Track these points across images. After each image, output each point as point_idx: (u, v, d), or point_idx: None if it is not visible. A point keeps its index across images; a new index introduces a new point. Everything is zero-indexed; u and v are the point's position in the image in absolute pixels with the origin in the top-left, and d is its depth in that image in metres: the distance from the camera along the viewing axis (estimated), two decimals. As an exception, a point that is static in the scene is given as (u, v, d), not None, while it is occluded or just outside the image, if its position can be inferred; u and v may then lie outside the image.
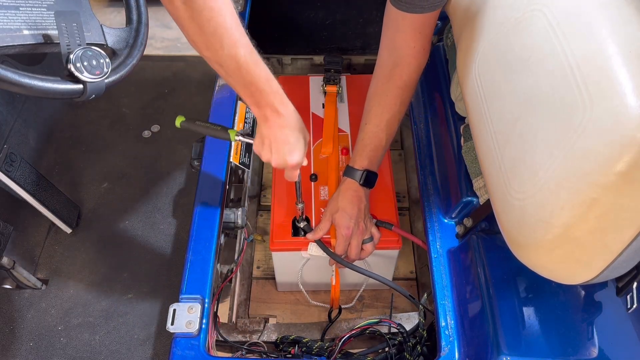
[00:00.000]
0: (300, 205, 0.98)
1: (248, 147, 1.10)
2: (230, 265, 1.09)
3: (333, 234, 1.02)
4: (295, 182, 0.92)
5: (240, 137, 0.86)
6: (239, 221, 1.01)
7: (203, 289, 0.86)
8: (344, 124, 1.22)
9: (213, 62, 0.71)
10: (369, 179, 0.97)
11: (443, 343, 0.80)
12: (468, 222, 0.89)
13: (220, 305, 1.05)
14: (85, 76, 0.64)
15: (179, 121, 0.88)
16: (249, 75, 0.72)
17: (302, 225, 1.02)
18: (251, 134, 1.04)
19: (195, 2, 0.62)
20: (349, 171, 0.99)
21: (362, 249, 0.99)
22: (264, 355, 1.00)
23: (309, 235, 1.00)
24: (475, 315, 0.79)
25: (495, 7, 0.75)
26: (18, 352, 1.21)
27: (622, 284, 0.61)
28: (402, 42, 0.90)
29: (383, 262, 1.09)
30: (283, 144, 0.79)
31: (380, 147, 0.97)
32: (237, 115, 1.13)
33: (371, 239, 1.00)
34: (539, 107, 0.62)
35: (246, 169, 1.10)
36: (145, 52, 0.79)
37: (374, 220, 1.03)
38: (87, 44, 0.66)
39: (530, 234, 0.61)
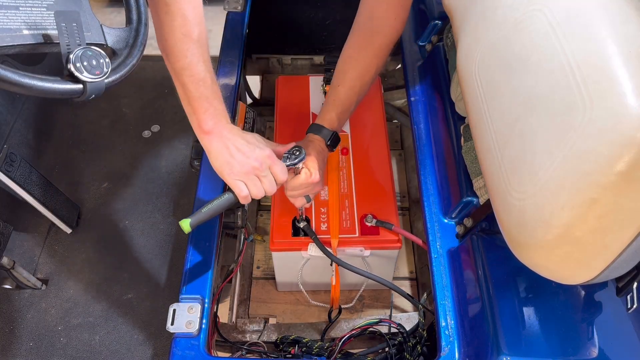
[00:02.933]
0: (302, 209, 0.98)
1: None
2: (230, 265, 1.09)
3: (333, 233, 1.02)
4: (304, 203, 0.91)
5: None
6: (239, 221, 1.01)
7: (203, 289, 0.87)
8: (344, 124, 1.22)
9: (173, 73, 0.78)
10: (334, 141, 0.96)
11: (443, 343, 0.80)
12: (468, 222, 0.89)
13: (220, 305, 1.05)
14: (85, 76, 0.64)
15: (186, 225, 0.80)
16: (206, 89, 0.77)
17: (302, 225, 1.02)
18: None
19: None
20: (315, 128, 0.95)
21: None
22: (264, 355, 1.00)
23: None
24: (475, 315, 0.79)
25: (495, 7, 0.75)
26: (18, 352, 1.21)
27: (622, 284, 0.61)
28: (383, 12, 0.91)
29: (383, 262, 1.09)
30: (243, 143, 0.79)
31: (349, 110, 0.97)
32: (237, 115, 1.13)
33: (310, 200, 0.97)
34: (539, 107, 0.62)
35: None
36: (145, 52, 0.78)
37: (374, 221, 1.03)
38: (87, 44, 0.66)
39: (530, 234, 0.61)
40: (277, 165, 0.82)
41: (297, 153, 0.86)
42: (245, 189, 0.80)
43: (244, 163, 0.79)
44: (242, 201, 0.82)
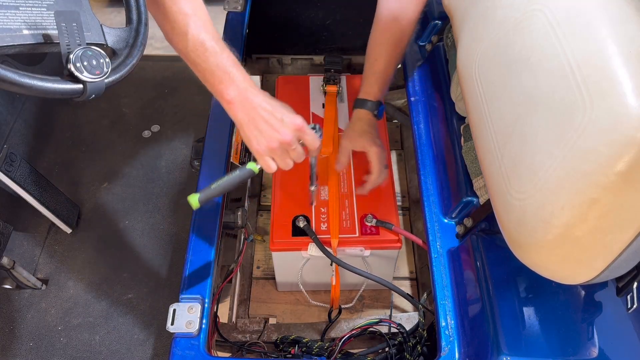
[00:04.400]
0: (312, 188, 0.98)
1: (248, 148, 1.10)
2: (230, 265, 1.09)
3: (334, 233, 1.02)
4: (310, 162, 0.88)
5: (259, 164, 0.80)
6: (239, 221, 1.01)
7: (203, 289, 0.87)
8: (344, 123, 1.22)
9: (181, 53, 0.75)
10: (381, 111, 1.01)
11: (443, 343, 0.80)
12: (468, 222, 0.89)
13: (220, 305, 1.05)
14: (85, 76, 0.64)
15: (194, 200, 0.77)
16: (215, 58, 0.73)
17: (302, 225, 1.02)
18: None
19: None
20: (361, 103, 1.01)
21: None
22: (264, 355, 1.00)
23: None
24: (475, 315, 0.79)
25: (495, 7, 0.75)
26: (18, 352, 1.21)
27: (622, 284, 0.61)
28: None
29: (383, 262, 1.09)
30: (270, 114, 0.75)
31: (389, 80, 1.02)
32: (237, 115, 1.13)
33: (387, 166, 1.05)
34: (539, 107, 0.62)
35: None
36: (145, 52, 0.78)
37: (374, 221, 1.03)
38: (87, 43, 0.66)
39: (531, 234, 0.61)
40: (308, 134, 0.78)
41: (318, 127, 0.83)
42: (274, 164, 0.78)
43: (273, 138, 0.75)
44: (268, 171, 0.79)
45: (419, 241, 0.99)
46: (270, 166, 0.78)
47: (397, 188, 1.34)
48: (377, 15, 1.01)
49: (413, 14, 0.98)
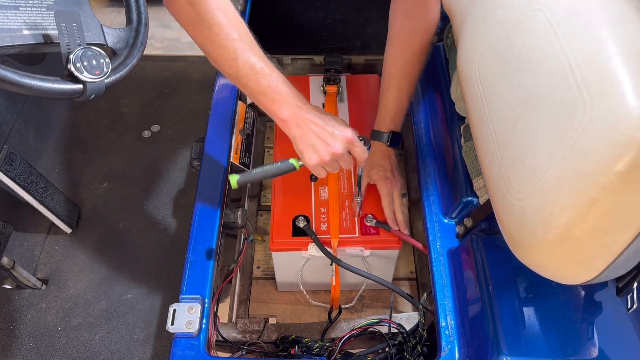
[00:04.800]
0: (359, 199, 0.99)
1: (248, 147, 1.10)
2: (230, 265, 1.09)
3: (334, 233, 1.02)
4: (358, 173, 0.92)
5: (302, 162, 0.83)
6: (239, 221, 1.01)
7: (203, 289, 0.87)
8: (344, 124, 1.22)
9: (232, 78, 0.78)
10: (395, 139, 1.02)
11: (443, 343, 0.80)
12: (468, 222, 0.89)
13: (220, 305, 1.05)
14: (85, 76, 0.64)
15: (233, 180, 0.81)
16: (267, 80, 0.76)
17: (302, 225, 1.02)
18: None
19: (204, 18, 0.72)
20: (375, 134, 1.04)
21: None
22: (264, 355, 1.00)
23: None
24: (475, 315, 0.79)
25: (495, 7, 0.75)
26: (18, 352, 1.21)
27: (622, 284, 0.61)
28: (420, 9, 0.93)
29: (383, 263, 1.09)
30: (322, 128, 0.78)
31: (403, 109, 1.02)
32: (237, 115, 1.13)
33: (406, 194, 1.05)
34: (539, 107, 0.62)
35: (246, 169, 1.10)
36: (145, 52, 0.78)
37: (374, 221, 1.03)
38: (87, 44, 0.66)
39: (531, 234, 0.61)
40: (358, 146, 0.81)
41: (366, 139, 0.86)
42: (325, 172, 0.82)
43: (325, 152, 0.78)
44: (319, 177, 0.84)
45: (419, 245, 0.98)
46: (321, 174, 0.82)
47: (397, 188, 1.34)
48: (388, 41, 1.00)
49: (424, 38, 0.96)
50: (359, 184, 0.96)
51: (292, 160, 0.82)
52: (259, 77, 0.76)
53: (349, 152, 0.81)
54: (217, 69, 0.79)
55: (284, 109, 0.78)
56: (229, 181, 0.82)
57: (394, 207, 1.02)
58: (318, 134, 0.78)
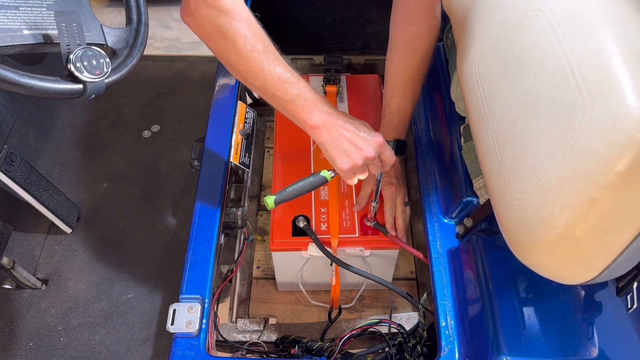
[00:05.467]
0: (374, 204, 0.99)
1: (248, 147, 1.10)
2: (230, 265, 1.09)
3: (334, 233, 1.02)
4: (377, 177, 0.92)
5: (332, 173, 0.84)
6: (239, 221, 1.01)
7: (203, 289, 0.86)
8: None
9: (257, 89, 0.77)
10: (399, 147, 1.00)
11: (443, 343, 0.80)
12: (468, 222, 0.89)
13: (220, 305, 1.06)
14: (85, 76, 0.64)
15: (270, 201, 0.82)
16: (294, 89, 0.76)
17: (302, 225, 1.02)
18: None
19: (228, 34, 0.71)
20: None
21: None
22: (264, 355, 1.00)
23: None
24: (475, 315, 0.79)
25: (495, 7, 0.75)
26: (18, 352, 1.21)
27: (622, 284, 0.61)
28: (422, 14, 0.92)
29: (383, 263, 1.09)
30: (354, 133, 0.79)
31: (407, 117, 1.01)
32: (237, 115, 1.13)
33: (409, 202, 1.04)
34: (539, 107, 0.62)
35: (246, 169, 1.10)
36: (145, 52, 0.79)
37: (374, 222, 1.03)
38: (87, 43, 0.66)
39: (531, 234, 0.61)
40: (387, 150, 0.82)
41: (392, 143, 0.90)
42: (355, 178, 0.82)
43: (358, 156, 0.79)
44: (350, 184, 0.84)
45: (420, 255, 0.98)
46: (354, 181, 0.82)
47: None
48: (390, 48, 0.99)
49: (427, 43, 0.95)
50: (376, 190, 0.95)
51: (323, 173, 0.83)
52: (286, 87, 0.76)
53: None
54: (241, 81, 0.79)
55: (314, 116, 0.78)
56: (264, 202, 0.84)
57: (395, 213, 1.02)
58: (350, 139, 0.78)
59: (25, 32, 0.66)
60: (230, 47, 0.73)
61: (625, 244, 0.53)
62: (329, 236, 1.02)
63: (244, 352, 0.98)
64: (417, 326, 0.95)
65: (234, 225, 1.01)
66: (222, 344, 0.98)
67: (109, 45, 0.75)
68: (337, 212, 1.05)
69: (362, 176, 0.82)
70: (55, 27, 0.65)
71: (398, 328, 0.96)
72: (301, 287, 1.12)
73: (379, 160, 0.82)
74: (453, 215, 0.95)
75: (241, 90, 1.25)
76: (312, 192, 1.09)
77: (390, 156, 0.83)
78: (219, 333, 0.97)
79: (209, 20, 0.71)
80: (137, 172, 1.55)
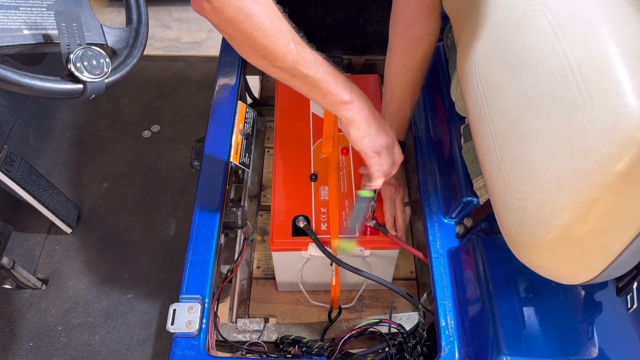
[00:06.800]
0: (372, 204, 1.00)
1: (248, 147, 1.10)
2: (230, 265, 1.09)
3: (334, 233, 1.02)
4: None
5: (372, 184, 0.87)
6: (239, 221, 1.01)
7: (203, 289, 0.87)
8: (344, 124, 1.22)
9: (284, 72, 0.75)
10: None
11: (443, 343, 0.80)
12: (468, 222, 0.89)
13: (220, 305, 1.05)
14: (85, 76, 0.64)
15: (350, 245, 0.93)
16: (324, 67, 0.76)
17: (302, 225, 1.02)
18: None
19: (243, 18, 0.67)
20: None
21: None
22: (264, 355, 1.00)
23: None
24: (475, 315, 0.79)
25: (495, 7, 0.75)
26: (18, 352, 1.21)
27: (622, 284, 0.61)
28: (422, 16, 0.92)
29: (383, 263, 1.09)
30: (380, 117, 0.81)
31: (406, 119, 1.02)
32: (237, 115, 1.13)
33: (409, 202, 1.04)
34: (539, 107, 0.62)
35: (246, 169, 1.10)
36: (145, 52, 0.79)
37: (374, 222, 1.03)
38: (87, 43, 0.66)
39: (531, 234, 0.61)
40: (398, 146, 0.85)
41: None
42: (382, 162, 0.84)
43: (383, 138, 0.81)
44: (376, 179, 0.85)
45: (420, 254, 0.98)
46: (379, 164, 0.84)
47: (397, 188, 1.34)
48: (389, 50, 0.99)
49: (427, 45, 0.95)
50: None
51: (363, 194, 0.91)
52: (317, 64, 0.75)
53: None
54: (261, 68, 0.75)
55: (348, 92, 0.77)
56: (342, 251, 0.93)
57: (395, 213, 1.02)
58: (378, 120, 0.81)
59: (26, 32, 0.66)
60: (257, 30, 0.69)
61: (625, 244, 0.53)
62: (329, 236, 1.02)
63: (244, 352, 0.98)
64: (417, 326, 0.95)
65: (234, 225, 1.01)
66: (222, 344, 0.98)
67: (109, 45, 0.75)
68: (337, 212, 1.05)
69: (387, 166, 0.84)
70: (56, 27, 0.65)
71: (398, 328, 0.96)
72: (301, 287, 1.12)
73: (391, 157, 0.84)
74: (453, 215, 0.95)
75: (241, 90, 1.25)
76: (312, 192, 1.09)
77: (400, 154, 0.84)
78: (219, 333, 0.97)
79: (229, 3, 0.66)
80: (137, 172, 1.55)
